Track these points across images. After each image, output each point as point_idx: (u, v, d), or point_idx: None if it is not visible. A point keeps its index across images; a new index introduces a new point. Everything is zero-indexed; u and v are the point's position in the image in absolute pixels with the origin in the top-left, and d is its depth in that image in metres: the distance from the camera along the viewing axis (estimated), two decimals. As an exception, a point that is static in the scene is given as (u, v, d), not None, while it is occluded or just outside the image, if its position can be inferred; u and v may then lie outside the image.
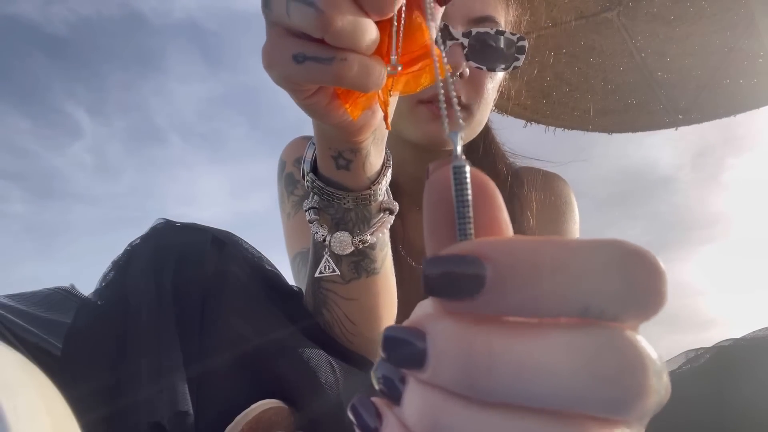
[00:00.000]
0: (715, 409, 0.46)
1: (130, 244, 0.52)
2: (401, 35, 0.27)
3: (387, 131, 0.39)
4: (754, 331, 0.51)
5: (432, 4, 0.24)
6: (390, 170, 0.44)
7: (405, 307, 0.57)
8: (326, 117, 0.33)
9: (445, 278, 0.15)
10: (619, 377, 0.14)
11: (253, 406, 0.43)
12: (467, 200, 0.16)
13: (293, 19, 0.26)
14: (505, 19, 0.63)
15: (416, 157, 0.66)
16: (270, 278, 0.54)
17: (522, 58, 0.61)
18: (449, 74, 0.21)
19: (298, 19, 0.26)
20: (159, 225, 0.52)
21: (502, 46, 0.60)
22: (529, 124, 1.91)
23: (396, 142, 0.68)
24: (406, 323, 0.16)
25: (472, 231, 0.16)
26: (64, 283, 0.61)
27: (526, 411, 0.14)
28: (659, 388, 0.14)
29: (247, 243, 0.56)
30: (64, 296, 0.59)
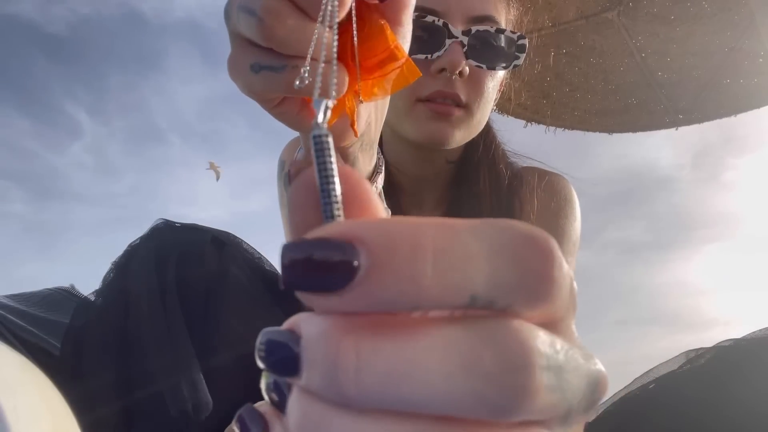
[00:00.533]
0: (716, 409, 0.46)
1: (130, 245, 0.52)
2: (354, 41, 0.26)
3: (377, 137, 0.39)
4: (754, 332, 0.51)
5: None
6: (382, 176, 0.43)
7: None
8: (299, 125, 0.33)
9: (307, 267, 0.13)
10: (496, 374, 0.12)
11: (254, 405, 0.43)
12: (331, 175, 0.13)
13: (242, 28, 0.26)
14: (505, 17, 0.63)
15: (416, 156, 0.66)
16: (270, 279, 0.54)
17: (522, 56, 0.61)
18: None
19: (244, 28, 0.26)
20: (159, 225, 0.52)
21: (502, 44, 0.59)
22: (529, 124, 1.91)
23: (396, 142, 0.68)
24: (286, 323, 0.15)
25: (341, 212, 0.13)
26: (64, 283, 0.61)
27: (405, 417, 0.12)
28: (557, 385, 0.13)
29: (247, 244, 0.56)
30: (64, 296, 0.59)
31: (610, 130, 1.81)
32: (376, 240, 0.12)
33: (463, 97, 0.59)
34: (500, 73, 0.63)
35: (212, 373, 0.44)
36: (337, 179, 0.13)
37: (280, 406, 0.15)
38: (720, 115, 1.73)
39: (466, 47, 0.58)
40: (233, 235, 0.55)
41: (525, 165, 0.78)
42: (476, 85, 0.60)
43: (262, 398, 0.47)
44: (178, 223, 0.53)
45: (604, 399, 0.58)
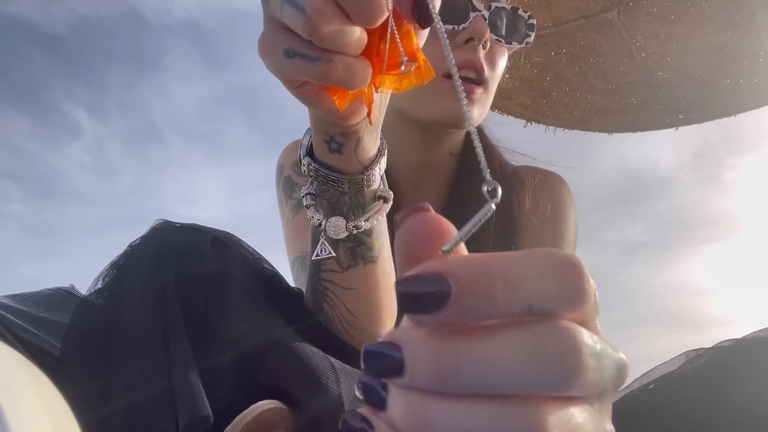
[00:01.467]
0: (716, 409, 0.46)
1: (130, 245, 0.52)
2: (387, 43, 0.29)
3: (381, 120, 0.41)
4: (754, 332, 0.51)
5: (431, 11, 0.26)
6: (385, 158, 0.45)
7: None
8: (315, 105, 0.35)
9: (414, 298, 0.17)
10: (557, 359, 0.16)
11: (253, 406, 0.43)
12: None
13: (285, 18, 0.29)
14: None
15: (423, 141, 0.67)
16: (270, 279, 0.54)
17: (533, 35, 0.64)
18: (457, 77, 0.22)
19: (289, 19, 0.28)
20: (159, 225, 0.52)
21: (517, 22, 0.63)
22: (529, 123, 1.91)
23: (402, 129, 0.68)
24: (382, 338, 0.19)
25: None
26: (64, 283, 0.61)
27: (491, 398, 0.17)
28: (598, 367, 0.17)
29: (247, 244, 0.56)
30: (65, 297, 0.59)
31: (610, 130, 1.81)
32: (461, 272, 0.17)
33: (484, 70, 0.61)
34: (507, 55, 0.66)
35: (211, 373, 0.44)
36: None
37: (377, 404, 0.19)
38: (720, 115, 1.73)
39: (487, 21, 0.60)
40: (233, 235, 0.55)
41: (520, 163, 0.79)
42: (494, 60, 0.63)
43: (260, 397, 0.47)
44: (177, 223, 0.53)
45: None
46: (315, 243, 0.47)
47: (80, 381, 0.43)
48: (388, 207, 0.47)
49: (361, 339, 0.52)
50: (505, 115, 1.96)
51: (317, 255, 0.47)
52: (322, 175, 0.44)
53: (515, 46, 0.64)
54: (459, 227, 0.20)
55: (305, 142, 0.45)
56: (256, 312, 0.49)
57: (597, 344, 0.18)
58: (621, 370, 0.19)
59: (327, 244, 0.47)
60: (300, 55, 0.29)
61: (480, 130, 0.76)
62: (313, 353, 0.49)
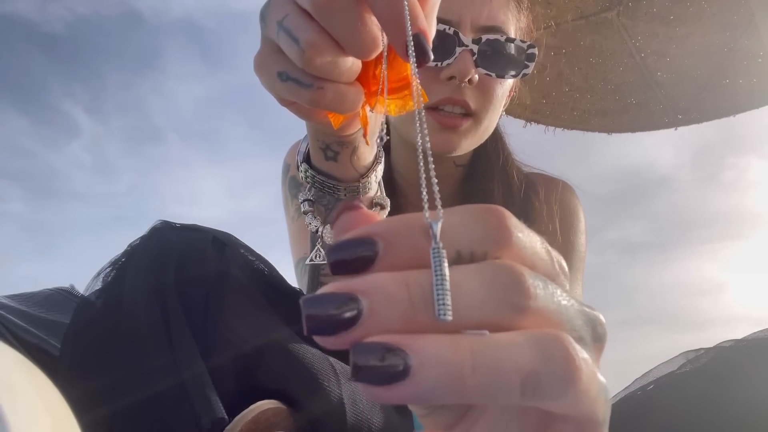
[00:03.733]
0: (716, 410, 0.46)
1: (129, 245, 0.52)
2: (384, 70, 0.30)
3: (377, 130, 0.41)
4: (754, 332, 0.51)
5: (412, 48, 0.25)
6: (381, 165, 0.45)
7: None
8: (309, 119, 0.36)
9: (345, 262, 0.17)
10: (509, 284, 0.17)
11: (252, 406, 0.43)
12: (445, 281, 0.17)
13: (281, 44, 0.29)
14: (516, 26, 0.64)
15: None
16: (270, 279, 0.54)
17: (532, 65, 0.62)
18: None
19: (284, 47, 0.29)
20: (158, 225, 0.52)
21: (512, 53, 0.60)
22: (528, 123, 1.91)
23: (403, 147, 0.70)
24: (338, 287, 0.18)
25: (449, 315, 0.17)
26: (63, 283, 0.61)
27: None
28: (549, 297, 0.18)
29: (246, 245, 0.56)
30: (65, 297, 0.59)
31: (610, 130, 1.81)
32: (384, 231, 0.18)
33: (472, 105, 0.61)
34: (509, 81, 0.63)
35: (212, 372, 0.44)
36: (447, 284, 0.17)
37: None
38: (719, 115, 1.73)
39: (476, 55, 0.58)
40: (233, 236, 0.55)
41: (531, 171, 0.78)
42: (485, 93, 0.61)
43: (260, 397, 0.47)
44: (177, 223, 0.53)
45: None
46: (313, 247, 0.48)
47: (80, 381, 0.43)
48: (385, 213, 0.47)
49: None
50: (505, 115, 1.96)
51: (311, 260, 0.47)
52: (319, 182, 0.44)
53: (509, 79, 0.62)
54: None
55: (303, 149, 0.46)
56: (255, 313, 0.49)
57: (539, 278, 0.18)
58: (594, 322, 0.20)
59: (322, 250, 0.47)
60: (292, 79, 0.30)
61: (500, 137, 0.76)
62: (313, 354, 0.49)
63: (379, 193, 0.47)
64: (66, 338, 0.47)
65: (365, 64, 0.32)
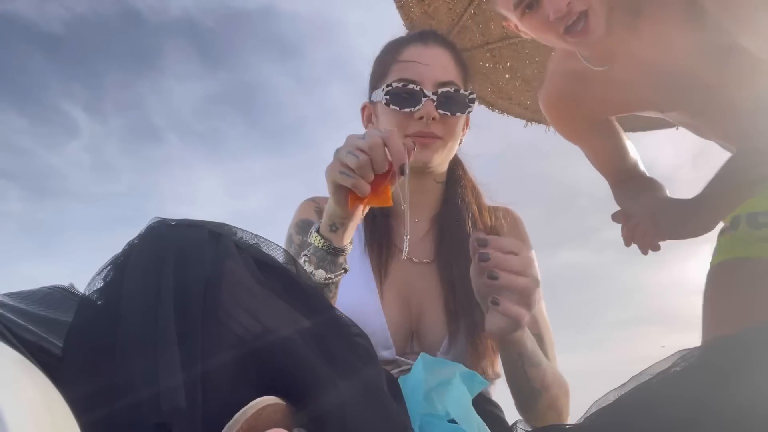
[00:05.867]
0: (710, 407, 0.46)
1: (128, 243, 0.52)
2: (406, 178, 0.70)
3: (358, 221, 0.76)
4: (745, 329, 0.51)
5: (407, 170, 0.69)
6: (352, 245, 0.79)
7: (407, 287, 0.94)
8: (339, 202, 0.71)
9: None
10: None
11: (252, 403, 0.43)
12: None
13: (346, 160, 0.67)
14: (462, 78, 0.95)
15: (413, 175, 0.89)
16: (268, 268, 0.55)
17: (474, 105, 0.93)
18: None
19: (349, 161, 0.67)
20: (155, 224, 0.52)
21: (459, 99, 0.91)
22: (529, 123, 1.91)
23: None
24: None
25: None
26: (63, 282, 0.61)
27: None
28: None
29: (243, 230, 0.56)
30: (63, 295, 0.59)
31: (610, 130, 1.80)
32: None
33: (438, 133, 0.90)
34: (461, 117, 0.93)
35: (212, 369, 0.44)
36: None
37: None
38: (719, 115, 1.71)
39: (435, 102, 0.88)
40: (228, 226, 0.55)
41: (485, 195, 1.04)
42: (446, 124, 0.91)
43: (261, 393, 0.47)
44: (173, 220, 0.53)
45: (600, 398, 0.58)
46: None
47: (81, 380, 0.43)
48: (344, 274, 0.78)
49: None
50: (506, 115, 1.96)
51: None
52: (325, 245, 0.75)
53: (459, 115, 0.92)
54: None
55: (315, 226, 0.77)
56: (254, 307, 0.49)
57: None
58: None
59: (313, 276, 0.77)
60: (346, 174, 0.67)
61: (460, 164, 1.04)
62: (315, 350, 0.49)
63: (345, 264, 0.77)
64: (68, 337, 0.47)
65: (376, 177, 0.68)
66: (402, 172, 0.68)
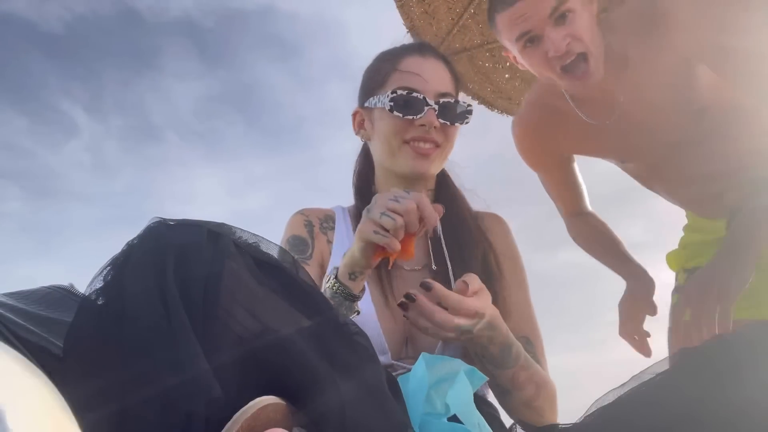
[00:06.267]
0: (708, 405, 0.46)
1: (127, 243, 0.52)
2: (440, 233, 0.83)
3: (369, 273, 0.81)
4: (744, 326, 0.51)
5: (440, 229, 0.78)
6: (364, 293, 0.82)
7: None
8: (366, 255, 0.76)
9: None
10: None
11: (252, 402, 0.43)
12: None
13: (382, 221, 0.71)
14: (456, 90, 1.01)
15: (406, 184, 0.99)
16: (267, 266, 0.55)
17: (470, 117, 0.98)
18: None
19: (384, 221, 0.71)
20: (154, 224, 0.52)
21: (458, 109, 0.96)
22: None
23: (388, 178, 1.03)
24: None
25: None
26: (63, 282, 0.61)
27: None
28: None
29: (241, 230, 0.56)
30: (63, 294, 0.59)
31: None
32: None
33: (438, 140, 0.96)
34: (458, 126, 0.99)
35: (214, 372, 0.44)
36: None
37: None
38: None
39: (437, 111, 0.93)
40: (227, 226, 0.55)
41: (473, 201, 1.08)
42: (444, 133, 0.97)
43: (261, 393, 0.47)
44: (171, 220, 0.53)
45: (600, 398, 0.58)
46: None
47: (83, 380, 0.43)
48: (357, 314, 0.82)
49: None
50: (506, 115, 1.96)
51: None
52: (341, 290, 0.79)
53: (457, 125, 0.98)
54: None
55: (332, 273, 0.81)
56: (252, 304, 0.49)
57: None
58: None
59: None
60: (381, 234, 0.71)
61: (446, 175, 1.07)
62: (315, 351, 0.49)
63: (358, 309, 0.82)
64: (69, 337, 0.47)
65: (406, 236, 0.73)
66: (435, 233, 0.77)
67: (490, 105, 1.92)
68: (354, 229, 0.96)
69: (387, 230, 0.71)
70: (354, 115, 1.05)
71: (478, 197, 1.08)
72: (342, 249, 0.95)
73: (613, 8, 1.23)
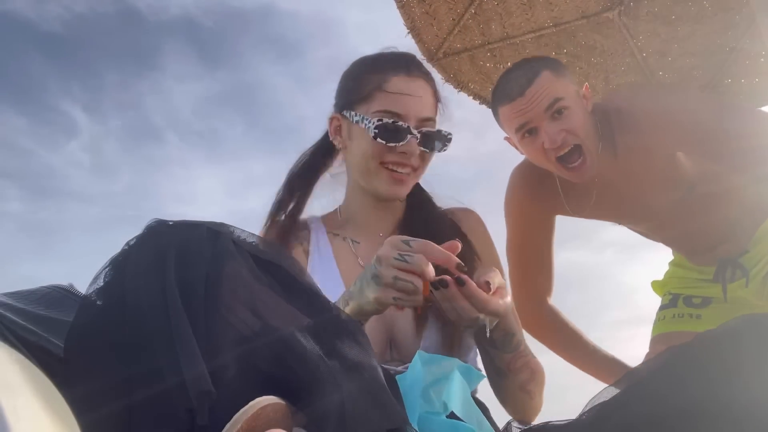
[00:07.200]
0: (702, 402, 0.46)
1: (127, 243, 0.52)
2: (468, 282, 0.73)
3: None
4: (734, 318, 0.51)
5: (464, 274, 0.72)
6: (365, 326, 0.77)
7: None
8: (381, 312, 0.75)
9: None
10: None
11: (252, 402, 0.43)
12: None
13: (396, 285, 0.69)
14: (437, 109, 1.02)
15: (375, 203, 1.04)
16: (266, 265, 0.55)
17: (450, 144, 1.01)
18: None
19: (399, 285, 0.69)
20: (154, 224, 0.52)
21: (438, 138, 0.99)
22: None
23: (361, 195, 1.05)
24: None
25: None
26: (62, 282, 0.61)
27: None
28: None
29: (241, 230, 0.56)
30: (63, 294, 0.59)
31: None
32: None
33: (415, 165, 0.98)
34: (436, 152, 1.01)
35: (215, 371, 0.44)
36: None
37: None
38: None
39: (418, 139, 0.95)
40: (226, 225, 0.55)
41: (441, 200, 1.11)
42: (423, 159, 1.00)
43: (261, 393, 0.47)
44: (171, 220, 0.53)
45: (596, 395, 0.58)
46: None
47: (83, 380, 0.43)
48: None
49: None
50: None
51: None
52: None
53: (435, 152, 1.00)
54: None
55: (342, 305, 0.77)
56: (252, 303, 0.49)
57: None
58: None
59: None
60: (403, 300, 0.70)
61: (422, 192, 1.09)
62: (315, 350, 0.49)
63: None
64: (69, 337, 0.47)
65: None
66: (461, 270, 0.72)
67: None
68: (330, 240, 1.04)
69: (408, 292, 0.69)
70: (331, 120, 1.04)
71: (455, 200, 1.12)
72: (319, 258, 1.01)
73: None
